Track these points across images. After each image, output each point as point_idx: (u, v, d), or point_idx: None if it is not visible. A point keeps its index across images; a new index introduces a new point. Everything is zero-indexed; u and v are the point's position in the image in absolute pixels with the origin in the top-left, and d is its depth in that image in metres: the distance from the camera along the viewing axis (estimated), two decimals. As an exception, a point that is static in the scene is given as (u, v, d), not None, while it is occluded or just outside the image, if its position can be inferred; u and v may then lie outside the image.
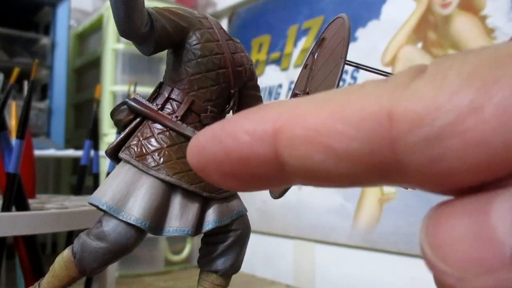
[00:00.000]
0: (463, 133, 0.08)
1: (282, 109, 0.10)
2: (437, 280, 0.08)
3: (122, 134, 0.31)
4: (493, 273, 0.07)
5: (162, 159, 0.30)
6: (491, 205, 0.08)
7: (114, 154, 0.31)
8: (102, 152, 0.52)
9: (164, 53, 0.33)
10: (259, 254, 1.00)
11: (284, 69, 0.97)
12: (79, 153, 0.77)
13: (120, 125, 0.32)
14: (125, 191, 0.29)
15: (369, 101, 0.09)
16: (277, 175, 0.10)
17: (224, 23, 1.15)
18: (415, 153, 0.08)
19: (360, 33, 0.82)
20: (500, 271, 0.07)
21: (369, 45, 0.80)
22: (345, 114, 0.09)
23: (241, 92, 0.33)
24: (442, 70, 0.08)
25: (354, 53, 0.79)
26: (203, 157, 0.10)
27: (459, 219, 0.08)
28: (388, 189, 0.78)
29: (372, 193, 0.80)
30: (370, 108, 0.08)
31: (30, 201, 0.46)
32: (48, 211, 0.43)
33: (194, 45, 0.31)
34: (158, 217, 0.30)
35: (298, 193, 0.93)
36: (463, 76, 0.08)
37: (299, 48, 0.95)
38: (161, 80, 0.33)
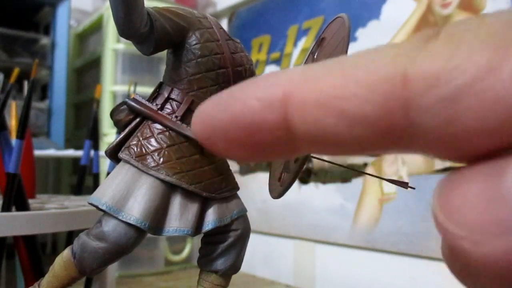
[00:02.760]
0: (480, 93, 0.07)
1: (292, 74, 0.09)
2: (451, 246, 0.08)
3: (122, 134, 0.31)
4: (507, 235, 0.07)
5: (162, 159, 0.30)
6: (505, 168, 0.08)
7: (114, 154, 0.31)
8: (102, 152, 0.52)
9: (164, 53, 0.33)
10: (259, 254, 1.00)
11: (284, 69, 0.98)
12: (79, 153, 0.77)
13: (119, 125, 0.32)
14: (125, 191, 0.29)
15: (383, 63, 0.08)
16: (285, 143, 0.09)
17: (224, 23, 1.15)
18: (430, 115, 0.08)
19: (360, 33, 0.82)
20: None
21: (369, 45, 0.80)
22: (358, 76, 0.08)
23: (241, 92, 0.33)
24: (458, 32, 0.08)
25: (354, 53, 0.79)
26: (209, 124, 0.10)
27: (473, 183, 0.08)
28: (388, 189, 0.78)
29: (372, 193, 0.80)
30: (384, 69, 0.08)
31: (30, 201, 0.46)
32: (48, 211, 0.43)
33: (194, 45, 0.31)
34: (158, 217, 0.30)
35: (298, 193, 0.93)
36: (481, 36, 0.08)
37: (299, 48, 0.95)
38: (161, 80, 0.33)
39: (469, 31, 0.08)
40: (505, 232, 0.07)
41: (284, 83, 0.09)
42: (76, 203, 0.51)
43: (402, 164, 0.76)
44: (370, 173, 0.74)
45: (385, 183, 0.78)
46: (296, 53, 0.95)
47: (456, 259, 0.09)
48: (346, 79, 0.09)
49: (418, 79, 0.08)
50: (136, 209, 0.29)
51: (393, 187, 0.77)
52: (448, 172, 0.09)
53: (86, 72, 1.22)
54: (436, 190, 0.09)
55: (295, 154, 0.10)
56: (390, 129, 0.08)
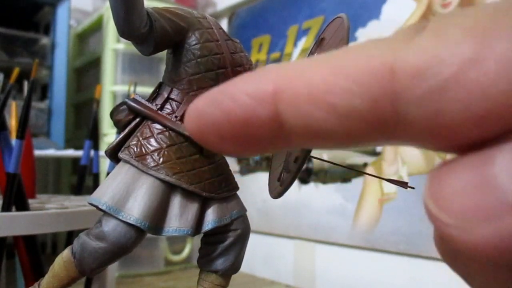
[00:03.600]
0: (465, 85, 0.08)
1: (282, 69, 0.09)
2: (440, 234, 0.08)
3: (122, 134, 0.31)
4: (495, 220, 0.07)
5: (161, 159, 0.30)
6: (493, 157, 0.08)
7: (114, 154, 0.31)
8: (102, 152, 0.52)
9: (164, 53, 0.33)
10: (259, 254, 1.00)
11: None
12: (79, 153, 0.77)
13: (119, 125, 0.32)
14: (125, 191, 0.29)
15: (371, 57, 0.09)
16: (277, 136, 0.09)
17: (224, 23, 1.15)
18: (418, 107, 0.08)
19: (360, 33, 0.82)
20: (501, 217, 0.07)
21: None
22: (347, 70, 0.09)
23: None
24: (444, 24, 0.08)
25: (354, 53, 0.79)
26: (201, 121, 0.10)
27: (462, 172, 0.08)
28: (388, 189, 0.78)
29: (372, 193, 0.80)
30: (372, 63, 0.08)
31: (30, 201, 0.46)
32: (48, 211, 0.43)
33: (194, 45, 0.31)
34: (157, 217, 0.30)
35: (298, 193, 0.93)
36: (465, 29, 0.08)
37: (299, 48, 0.95)
38: (161, 80, 0.33)
39: (455, 24, 0.08)
40: (491, 219, 0.07)
41: (275, 78, 0.09)
42: (76, 203, 0.51)
43: (402, 164, 0.76)
44: (370, 173, 0.74)
45: (385, 183, 0.78)
46: (296, 53, 0.95)
47: (447, 247, 0.09)
48: (335, 73, 0.09)
49: (404, 72, 0.08)
50: (136, 209, 0.29)
51: (393, 187, 0.77)
52: (439, 163, 0.09)
53: (86, 72, 1.22)
54: (427, 179, 0.09)
55: (287, 147, 0.10)
56: (379, 121, 0.08)
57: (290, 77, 0.09)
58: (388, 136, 0.09)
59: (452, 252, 0.09)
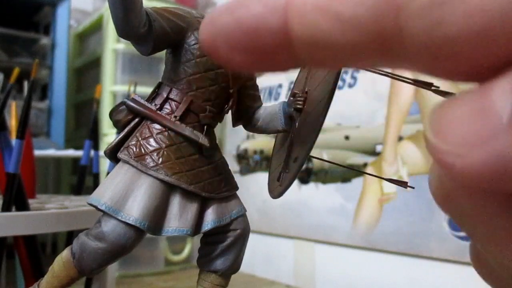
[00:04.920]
0: None
1: None
2: (439, 164, 0.08)
3: (121, 135, 0.31)
4: (490, 141, 0.08)
5: (161, 159, 0.30)
6: (491, 86, 0.08)
7: (113, 154, 0.31)
8: (102, 152, 0.52)
9: (164, 53, 0.33)
10: (259, 254, 1.00)
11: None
12: (79, 153, 0.77)
13: (119, 126, 0.32)
14: (124, 191, 0.29)
15: None
16: (285, 50, 0.10)
17: (224, 23, 1.15)
18: (417, 19, 0.08)
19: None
20: (496, 138, 0.07)
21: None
22: None
23: (240, 92, 0.33)
24: None
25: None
26: (214, 28, 0.10)
27: (461, 103, 0.08)
28: (388, 189, 0.78)
29: (372, 193, 0.80)
30: None
31: (30, 201, 0.46)
32: (48, 211, 0.44)
33: (193, 45, 0.31)
34: (157, 217, 0.30)
35: (298, 193, 0.93)
36: None
37: (299, 48, 0.95)
38: (160, 80, 0.33)
39: None
40: (487, 140, 0.08)
41: None
42: (76, 203, 0.51)
43: (402, 164, 0.76)
44: (370, 173, 0.74)
45: (385, 183, 0.78)
46: (296, 53, 0.95)
47: (442, 183, 0.10)
48: None
49: None
50: (135, 209, 0.29)
51: (393, 187, 0.77)
52: (443, 99, 0.09)
53: (86, 72, 1.22)
54: (429, 115, 0.09)
55: (293, 64, 0.10)
56: (381, 34, 0.09)
57: None
58: (391, 54, 0.09)
59: (446, 191, 0.10)
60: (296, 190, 0.93)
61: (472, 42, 0.08)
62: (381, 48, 0.09)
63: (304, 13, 0.09)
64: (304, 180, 0.92)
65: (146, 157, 0.30)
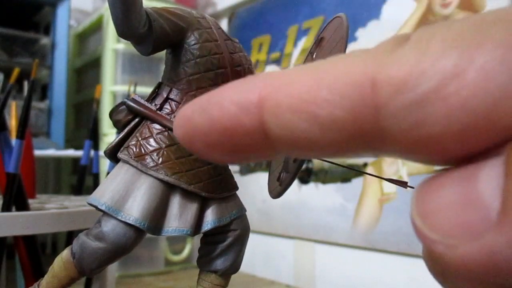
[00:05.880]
0: (445, 99, 0.08)
1: (268, 79, 0.09)
2: (428, 251, 0.08)
3: (121, 135, 0.31)
4: (479, 238, 0.07)
5: (161, 159, 0.30)
6: (478, 172, 0.08)
7: (113, 154, 0.31)
8: (102, 152, 0.52)
9: (164, 53, 0.33)
10: (259, 254, 1.00)
11: (285, 69, 0.98)
12: (79, 153, 0.77)
13: (118, 126, 0.32)
14: (124, 191, 0.29)
15: (353, 68, 0.09)
16: (262, 145, 0.10)
17: (224, 23, 1.15)
18: (398, 120, 0.08)
19: (360, 33, 0.82)
20: (486, 235, 0.07)
21: (369, 45, 0.80)
22: (330, 81, 0.09)
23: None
24: (426, 36, 0.08)
25: (354, 53, 0.79)
26: (189, 128, 0.10)
27: (447, 188, 0.08)
28: (388, 189, 0.78)
29: (372, 193, 0.80)
30: (354, 75, 0.08)
31: (30, 201, 0.46)
32: (48, 211, 0.44)
33: (193, 45, 0.31)
34: (157, 217, 0.30)
35: (298, 193, 0.93)
36: (447, 41, 0.08)
37: (299, 48, 0.95)
38: (160, 80, 0.33)
39: (437, 35, 0.08)
40: (475, 236, 0.07)
41: (260, 87, 0.09)
42: (76, 203, 0.51)
43: (402, 164, 0.76)
44: (370, 173, 0.74)
45: (385, 183, 0.78)
46: (296, 53, 0.95)
47: (436, 264, 0.09)
48: (318, 84, 0.09)
49: (386, 84, 0.08)
50: (135, 209, 0.29)
51: (393, 187, 0.77)
52: (425, 177, 0.09)
53: (86, 72, 1.22)
54: (414, 194, 0.09)
55: (273, 156, 0.10)
56: (361, 133, 0.08)
57: (275, 86, 0.09)
58: (370, 148, 0.09)
59: (441, 269, 0.09)
60: (296, 190, 0.93)
61: (455, 138, 0.08)
62: (361, 143, 0.09)
63: (280, 114, 0.09)
64: (304, 180, 0.92)
65: (146, 157, 0.30)
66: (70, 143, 1.14)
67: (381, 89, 0.08)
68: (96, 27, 1.13)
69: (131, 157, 0.30)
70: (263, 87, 0.09)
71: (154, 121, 0.31)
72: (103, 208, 0.29)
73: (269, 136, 0.09)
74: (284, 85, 0.09)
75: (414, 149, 0.08)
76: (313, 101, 0.09)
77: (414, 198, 0.09)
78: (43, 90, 1.17)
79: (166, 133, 0.31)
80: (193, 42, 0.31)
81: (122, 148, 0.31)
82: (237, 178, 0.34)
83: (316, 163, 0.89)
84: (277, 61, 1.00)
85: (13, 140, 0.43)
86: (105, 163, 0.75)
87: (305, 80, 0.09)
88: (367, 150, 0.09)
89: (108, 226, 0.29)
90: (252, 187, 1.00)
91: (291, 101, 0.09)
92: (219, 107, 0.10)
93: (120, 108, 0.32)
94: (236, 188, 0.34)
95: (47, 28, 1.18)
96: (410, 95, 0.08)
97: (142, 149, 0.30)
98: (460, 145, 0.08)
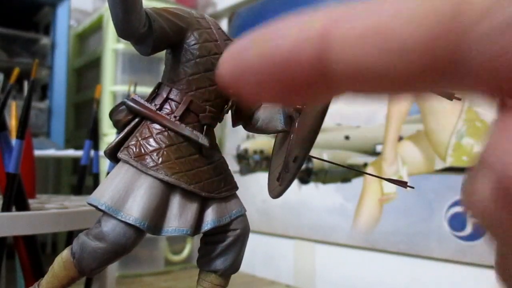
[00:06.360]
0: None
1: (333, 11, 0.09)
2: (498, 186, 0.08)
3: (121, 135, 0.31)
4: None
5: (160, 159, 0.30)
6: None
7: (113, 154, 0.31)
8: (102, 152, 0.52)
9: (164, 53, 0.33)
10: (259, 254, 1.00)
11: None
12: (79, 153, 0.77)
13: (118, 126, 0.32)
14: (124, 191, 0.29)
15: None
16: (318, 83, 0.09)
17: (224, 23, 1.15)
18: (481, 45, 0.08)
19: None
20: None
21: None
22: (407, 10, 0.08)
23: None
24: None
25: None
26: (239, 64, 0.09)
27: None
28: (388, 189, 0.78)
29: (372, 193, 0.80)
30: (435, 2, 0.08)
31: (30, 201, 0.46)
32: (48, 211, 0.44)
33: (192, 45, 0.31)
34: (157, 217, 0.30)
35: (298, 193, 0.93)
36: None
37: (299, 48, 0.95)
38: (160, 81, 0.33)
39: None
40: None
41: (323, 19, 0.09)
42: (76, 203, 0.51)
43: (402, 164, 0.76)
44: (370, 173, 0.74)
45: (385, 183, 0.78)
46: (296, 53, 0.95)
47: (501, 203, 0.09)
48: (393, 12, 0.08)
49: (470, 10, 0.08)
50: (135, 209, 0.29)
51: (393, 187, 0.77)
52: (492, 124, 0.08)
53: (86, 72, 1.22)
54: (487, 137, 0.08)
55: (329, 95, 0.09)
56: (435, 64, 0.08)
57: (341, 18, 0.09)
58: (443, 80, 0.08)
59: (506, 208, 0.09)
60: (296, 190, 0.93)
61: None
62: (430, 76, 0.08)
63: (347, 45, 0.08)
64: (304, 180, 0.92)
65: (146, 157, 0.30)
66: (70, 143, 1.14)
67: (467, 13, 0.08)
68: (96, 27, 1.13)
69: (131, 157, 0.30)
70: (328, 17, 0.09)
71: (154, 121, 0.31)
72: (103, 208, 0.29)
73: (330, 71, 0.09)
74: (354, 14, 0.09)
75: (498, 79, 0.08)
76: (386, 29, 0.08)
77: (486, 140, 0.08)
78: (43, 90, 1.17)
79: (166, 133, 0.31)
80: (193, 42, 0.31)
81: (122, 148, 0.31)
82: (237, 178, 0.34)
83: (316, 163, 0.89)
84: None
85: (13, 140, 0.43)
86: (105, 163, 0.75)
87: (377, 9, 0.08)
88: (437, 83, 0.09)
89: (108, 226, 0.29)
90: (252, 187, 1.00)
91: (360, 30, 0.08)
92: (278, 38, 0.09)
93: (120, 108, 0.32)
94: (236, 188, 0.34)
95: (47, 28, 1.18)
96: (494, 20, 0.08)
97: (142, 149, 0.30)
98: None
